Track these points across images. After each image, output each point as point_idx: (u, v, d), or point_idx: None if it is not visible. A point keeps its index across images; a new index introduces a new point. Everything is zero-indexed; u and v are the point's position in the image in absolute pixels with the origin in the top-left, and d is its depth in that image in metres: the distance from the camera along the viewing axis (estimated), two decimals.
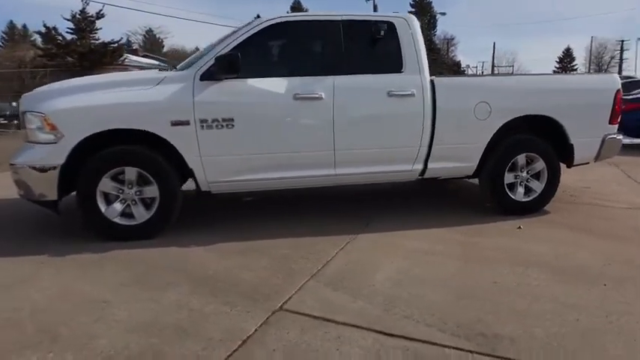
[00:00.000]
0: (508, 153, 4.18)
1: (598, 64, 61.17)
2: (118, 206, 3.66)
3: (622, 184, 5.75)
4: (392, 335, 2.35)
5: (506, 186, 4.25)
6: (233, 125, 3.64)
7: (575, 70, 58.82)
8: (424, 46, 4.03)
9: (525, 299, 2.71)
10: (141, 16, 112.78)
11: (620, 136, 4.43)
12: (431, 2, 59.34)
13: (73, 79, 4.09)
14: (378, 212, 4.48)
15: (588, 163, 4.49)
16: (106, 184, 3.59)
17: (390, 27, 3.94)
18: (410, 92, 3.88)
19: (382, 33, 3.88)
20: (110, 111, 3.51)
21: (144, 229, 3.70)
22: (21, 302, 2.68)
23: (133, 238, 3.67)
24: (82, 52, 19.16)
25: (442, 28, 77.70)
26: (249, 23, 3.85)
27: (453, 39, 70.55)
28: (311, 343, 2.28)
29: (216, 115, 3.61)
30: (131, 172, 3.61)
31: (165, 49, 51.93)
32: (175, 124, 3.57)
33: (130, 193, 3.66)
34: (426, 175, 4.18)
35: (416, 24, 4.02)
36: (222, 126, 3.63)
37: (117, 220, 3.65)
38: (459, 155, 4.12)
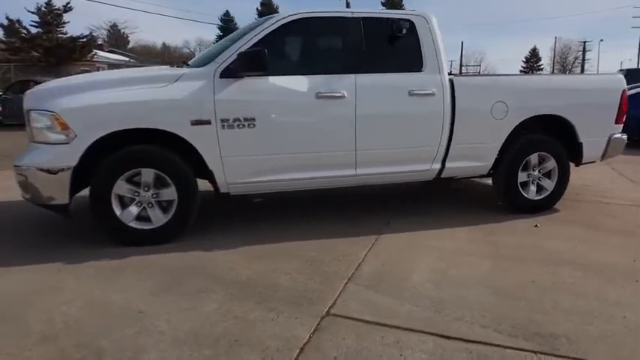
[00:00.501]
0: (522, 152, 4.23)
1: (562, 64, 63.51)
2: (133, 210, 3.48)
3: (615, 181, 5.94)
4: (450, 338, 2.32)
5: (519, 185, 4.30)
6: (255, 125, 3.53)
7: (542, 69, 60.88)
8: (442, 44, 4.02)
9: (568, 297, 2.73)
10: (106, 10, 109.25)
11: (625, 136, 4.56)
12: (401, 1, 59.91)
13: (79, 75, 3.88)
14: (395, 212, 4.44)
15: (595, 162, 4.60)
16: (121, 187, 3.41)
17: (410, 25, 3.91)
18: (431, 91, 3.87)
19: (404, 31, 3.85)
20: (127, 109, 3.34)
21: (161, 233, 3.54)
22: (50, 314, 2.51)
23: (150, 242, 3.51)
24: (48, 47, 18.39)
25: None
26: (268, 18, 3.73)
27: None
28: (372, 348, 2.22)
29: (238, 115, 3.49)
30: (148, 174, 3.44)
31: (131, 45, 50.48)
32: (196, 123, 3.42)
33: (146, 195, 3.49)
34: (443, 175, 4.18)
35: (434, 22, 4.00)
36: (243, 125, 3.51)
37: (132, 224, 3.48)
38: (476, 155, 4.14)
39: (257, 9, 64.77)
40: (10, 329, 2.37)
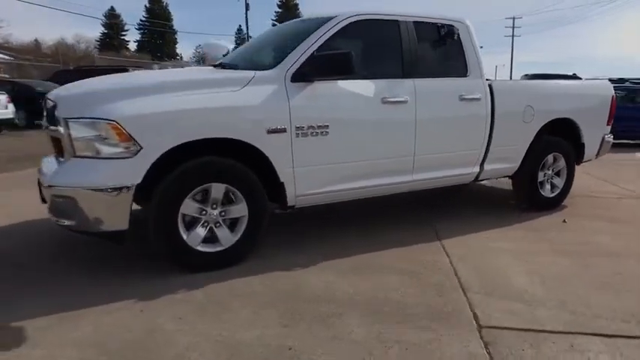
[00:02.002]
0: (542, 153, 4.54)
1: None
2: (200, 231, 3.05)
3: (582, 178, 6.50)
4: (610, 336, 2.38)
5: (538, 183, 4.60)
6: (327, 132, 3.31)
7: None
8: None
9: None
10: None
11: (612, 136, 5.13)
12: (297, 4, 60.73)
13: (121, 75, 3.29)
14: (432, 216, 4.46)
15: (591, 159, 5.09)
16: (189, 206, 2.97)
17: (455, 30, 3.97)
18: (477, 97, 3.97)
19: (455, 37, 3.90)
20: (203, 116, 2.92)
21: (230, 255, 3.16)
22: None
23: (219, 266, 3.11)
24: None
25: None
26: (328, 19, 3.51)
27: None
28: (556, 357, 2.21)
29: (312, 122, 3.24)
30: (218, 190, 3.04)
31: None
32: (272, 131, 3.11)
33: (213, 214, 3.08)
34: (480, 177, 4.32)
35: (472, 28, 4.11)
36: (317, 133, 3.27)
37: (200, 247, 3.05)
38: (508, 157, 4.34)
39: (145, 6, 61.26)
40: None
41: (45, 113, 3.32)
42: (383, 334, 2.37)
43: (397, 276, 3.09)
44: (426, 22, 3.90)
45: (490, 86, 4.09)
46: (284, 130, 3.15)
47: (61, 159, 3.02)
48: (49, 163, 3.24)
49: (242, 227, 3.16)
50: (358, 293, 2.83)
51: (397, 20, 3.75)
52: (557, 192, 4.76)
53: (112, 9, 59.22)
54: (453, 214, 4.58)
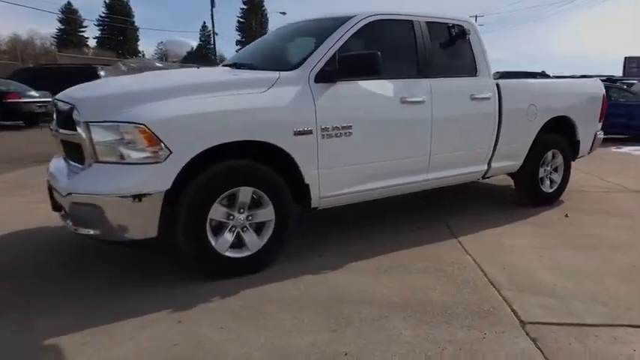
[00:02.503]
0: (542, 150, 4.66)
1: None
2: (228, 236, 2.97)
3: None
4: None
5: (539, 180, 4.73)
6: (351, 133, 3.28)
7: None
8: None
9: None
10: None
11: (602, 133, 5.33)
12: (262, 0, 60.22)
13: (138, 77, 3.15)
14: (441, 213, 4.51)
15: (584, 155, 5.27)
16: (217, 211, 2.89)
17: (464, 31, 4.02)
18: (487, 96, 4.04)
19: (467, 37, 3.95)
20: (232, 119, 2.84)
21: (258, 260, 3.09)
22: None
23: (246, 272, 3.04)
24: None
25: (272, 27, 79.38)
26: (346, 19, 3.48)
27: None
28: (601, 348, 2.27)
29: (337, 123, 3.21)
30: (246, 193, 2.97)
31: None
32: (298, 133, 3.06)
33: (240, 218, 3.00)
34: (487, 175, 4.40)
35: (478, 28, 4.17)
36: (341, 134, 3.24)
37: (228, 253, 2.97)
38: (513, 154, 4.44)
39: (104, 1, 59.22)
40: None
41: (55, 116, 3.15)
42: (432, 335, 2.38)
43: (427, 275, 3.10)
44: (438, 22, 3.93)
45: (497, 85, 4.17)
46: (310, 132, 3.10)
47: (78, 164, 2.87)
48: (62, 168, 3.08)
49: (269, 231, 3.10)
50: (394, 294, 2.82)
51: (411, 20, 3.76)
52: (555, 187, 4.91)
53: (69, 4, 57.06)
54: (461, 211, 4.64)
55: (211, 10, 45.68)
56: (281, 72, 3.14)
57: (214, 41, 46.58)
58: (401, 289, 2.89)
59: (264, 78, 3.09)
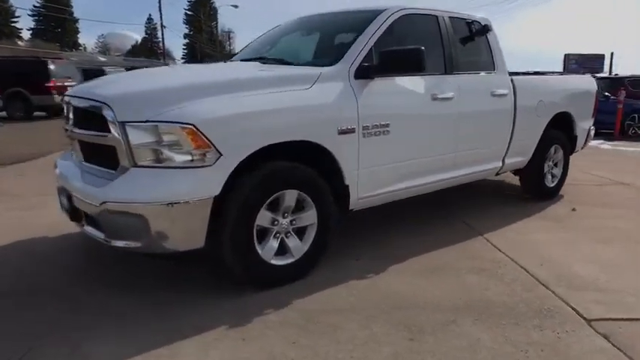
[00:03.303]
0: (547, 145, 4.76)
1: None
2: (274, 243, 2.79)
3: None
4: None
5: (544, 174, 4.84)
6: (389, 131, 3.17)
7: None
8: None
9: None
10: None
11: (594, 128, 5.53)
12: None
13: (168, 71, 2.87)
14: (456, 211, 4.49)
15: (578, 150, 5.45)
16: (264, 217, 2.69)
17: (482, 27, 4.01)
18: (505, 92, 4.05)
19: (489, 33, 3.93)
20: (283, 118, 2.65)
21: (301, 266, 2.92)
22: None
23: (291, 279, 2.87)
24: None
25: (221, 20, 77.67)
26: (377, 12, 3.36)
27: (231, 32, 71.84)
28: None
29: (376, 120, 3.09)
30: (292, 197, 2.79)
31: None
32: (343, 132, 2.91)
33: (284, 223, 2.82)
34: (500, 172, 4.43)
35: (492, 25, 4.18)
36: (379, 132, 3.12)
37: (274, 260, 2.78)
38: (524, 150, 4.50)
39: None
40: None
41: (73, 115, 2.82)
42: (509, 338, 2.32)
43: (473, 275, 3.06)
44: (459, 19, 3.90)
45: (512, 81, 4.20)
46: (353, 131, 2.96)
47: (107, 169, 2.58)
48: (82, 173, 2.78)
49: (311, 236, 2.94)
50: (452, 296, 2.75)
51: (436, 15, 3.70)
52: (556, 182, 5.04)
53: None
54: (470, 207, 4.65)
55: (159, 1, 44.10)
56: (323, 68, 2.98)
57: (163, 34, 45.00)
58: (455, 291, 2.82)
59: (306, 74, 2.91)
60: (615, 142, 10.24)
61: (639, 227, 4.10)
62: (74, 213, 2.74)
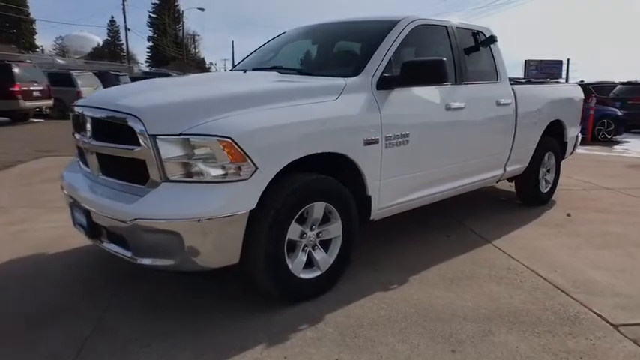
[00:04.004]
0: (542, 153, 4.90)
1: None
2: (302, 256, 2.74)
3: None
4: None
5: (539, 181, 4.98)
6: (408, 141, 3.19)
7: None
8: None
9: None
10: None
11: (580, 135, 5.74)
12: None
13: (181, 80, 2.78)
14: (459, 218, 4.55)
15: (567, 157, 5.63)
16: (294, 230, 2.65)
17: (487, 38, 4.10)
18: (509, 101, 4.15)
19: (495, 43, 4.01)
20: (314, 130, 2.62)
21: (327, 280, 2.89)
22: None
23: (318, 293, 2.83)
24: None
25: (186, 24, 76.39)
26: (393, 23, 3.37)
27: (197, 35, 70.81)
28: None
29: (397, 131, 3.10)
30: (320, 209, 2.75)
31: None
32: (368, 143, 2.91)
33: (312, 236, 2.78)
34: (501, 179, 4.52)
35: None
36: (400, 143, 3.13)
37: (302, 274, 2.74)
38: (522, 158, 4.61)
39: None
40: None
41: (91, 126, 2.69)
42: (547, 346, 2.37)
43: (493, 283, 3.10)
44: (465, 29, 3.97)
45: (513, 90, 4.30)
46: (377, 141, 2.96)
47: (132, 184, 2.48)
48: (100, 187, 2.66)
49: (336, 248, 2.91)
50: (479, 306, 2.78)
51: (445, 26, 3.75)
52: (549, 188, 5.19)
53: None
54: (472, 214, 4.72)
55: (123, 3, 42.94)
56: (345, 78, 2.96)
57: (127, 37, 43.86)
58: (481, 300, 2.86)
59: (332, 85, 2.89)
60: (589, 147, 10.67)
61: (635, 231, 4.27)
62: (93, 230, 2.61)
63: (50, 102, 15.14)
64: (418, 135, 3.26)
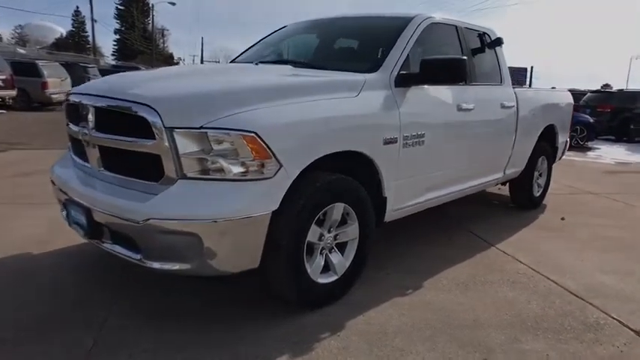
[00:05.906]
0: (536, 156, 4.92)
1: None
2: (320, 260, 2.59)
3: None
4: None
5: (533, 184, 5.00)
6: (424, 141, 3.09)
7: None
8: None
9: None
10: None
11: (568, 140, 5.81)
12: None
13: (194, 69, 2.58)
14: (459, 221, 4.50)
15: (557, 161, 5.69)
16: (314, 232, 2.50)
17: (493, 39, 4.06)
18: (512, 104, 4.12)
19: (501, 45, 3.98)
20: (339, 127, 2.48)
21: (343, 284, 2.75)
22: None
23: (335, 298, 2.70)
24: None
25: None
26: (407, 20, 3.27)
27: (165, 30, 69.23)
28: None
29: (414, 130, 3.00)
30: (338, 211, 2.61)
31: None
32: (387, 142, 2.79)
33: (329, 238, 2.64)
34: (500, 182, 4.50)
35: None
36: (416, 142, 3.03)
37: (320, 279, 2.59)
38: (520, 161, 4.61)
39: None
40: None
41: (93, 116, 2.45)
42: (576, 354, 2.32)
43: (507, 288, 3.05)
44: (473, 30, 3.92)
45: (515, 94, 4.29)
46: (395, 141, 2.85)
47: (142, 180, 2.27)
48: (102, 183, 2.43)
49: (352, 251, 2.77)
50: (501, 312, 2.71)
51: (456, 25, 3.69)
52: (541, 191, 5.23)
53: None
54: (470, 217, 4.68)
55: None
56: (364, 74, 2.83)
57: (93, 29, 42.30)
58: (500, 306, 2.78)
59: (352, 80, 2.76)
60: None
61: (630, 235, 4.33)
62: (94, 229, 2.38)
63: (14, 92, 14.36)
64: (433, 135, 3.17)
